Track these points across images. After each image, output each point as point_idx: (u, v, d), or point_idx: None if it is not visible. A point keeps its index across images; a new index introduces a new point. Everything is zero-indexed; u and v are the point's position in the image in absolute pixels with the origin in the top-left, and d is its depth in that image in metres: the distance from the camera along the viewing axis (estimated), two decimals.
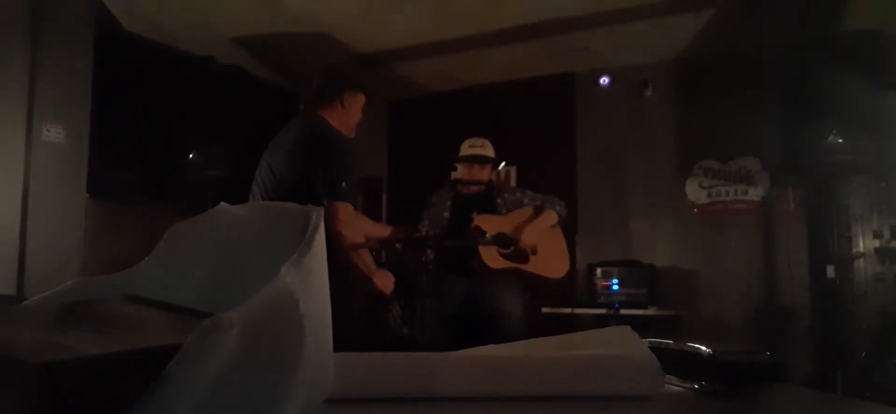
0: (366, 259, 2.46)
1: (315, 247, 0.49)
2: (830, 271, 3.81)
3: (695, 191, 4.74)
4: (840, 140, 3.47)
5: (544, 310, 4.32)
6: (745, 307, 4.41)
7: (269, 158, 2.49)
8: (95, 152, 3.75)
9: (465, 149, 3.40)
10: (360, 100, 2.64)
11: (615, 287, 4.33)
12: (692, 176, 4.74)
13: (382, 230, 2.97)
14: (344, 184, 2.32)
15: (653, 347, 0.77)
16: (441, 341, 2.97)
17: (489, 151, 3.40)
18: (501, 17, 4.22)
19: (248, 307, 0.40)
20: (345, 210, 2.31)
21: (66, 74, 3.59)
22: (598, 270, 4.39)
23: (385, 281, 2.53)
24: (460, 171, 3.40)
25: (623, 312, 4.17)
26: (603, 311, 4.26)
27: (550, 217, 3.31)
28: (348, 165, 2.40)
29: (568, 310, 4.33)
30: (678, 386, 0.80)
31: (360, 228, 2.47)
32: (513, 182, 5.07)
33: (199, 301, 0.52)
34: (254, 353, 0.40)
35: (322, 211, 0.53)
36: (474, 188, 3.34)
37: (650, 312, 4.23)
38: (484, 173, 3.37)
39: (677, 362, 0.80)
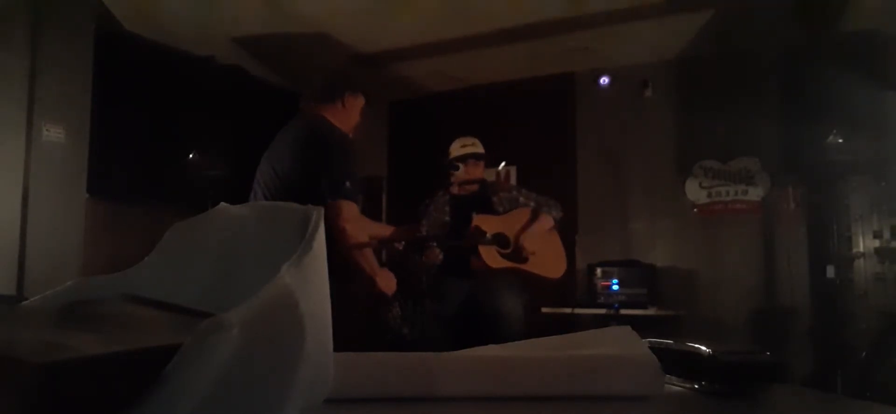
0: (369, 259, 2.46)
1: (315, 247, 0.49)
2: (830, 271, 3.80)
3: (695, 191, 4.74)
4: (840, 140, 3.47)
5: (544, 310, 4.32)
6: (745, 307, 4.41)
7: (270, 159, 2.48)
8: (95, 152, 3.75)
9: (457, 149, 3.42)
10: (361, 102, 2.65)
11: (615, 287, 4.32)
12: (692, 176, 4.74)
13: (384, 230, 2.97)
14: (348, 183, 2.32)
15: (653, 347, 0.77)
16: (441, 341, 2.97)
17: (480, 149, 3.42)
18: (501, 17, 4.22)
19: (248, 307, 0.40)
20: (349, 209, 2.30)
21: (66, 74, 3.59)
22: (598, 270, 4.39)
23: (388, 282, 2.52)
24: (460, 172, 3.42)
25: (623, 312, 4.17)
26: (603, 311, 4.26)
27: (547, 221, 3.32)
28: (352, 164, 2.39)
29: (568, 310, 4.33)
30: (678, 386, 0.80)
31: (364, 227, 2.46)
32: (513, 182, 5.07)
33: (199, 301, 0.52)
34: (254, 353, 0.40)
35: (322, 211, 0.53)
36: (470, 188, 3.36)
37: (650, 312, 4.23)
38: (478, 170, 3.39)
39: (677, 362, 0.80)
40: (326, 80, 2.66)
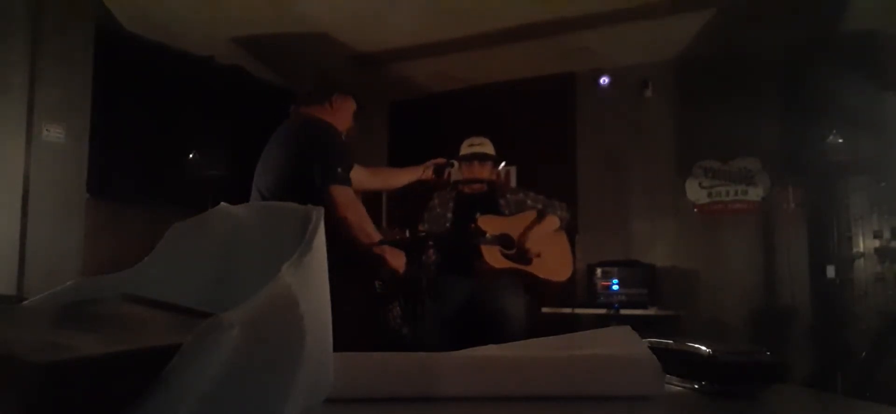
0: (370, 231, 2.44)
1: (315, 247, 0.49)
2: (830, 271, 3.81)
3: (695, 191, 4.74)
4: (840, 140, 3.47)
5: (545, 310, 4.32)
6: (745, 307, 4.41)
7: (264, 161, 2.50)
8: (95, 152, 3.75)
9: (465, 148, 3.39)
10: (350, 104, 2.65)
11: (615, 287, 4.32)
12: (692, 176, 4.74)
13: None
14: (340, 169, 2.32)
15: (653, 347, 0.77)
16: (441, 341, 2.97)
17: (489, 149, 3.39)
18: (501, 17, 4.22)
19: (248, 307, 0.40)
20: (344, 194, 2.31)
21: (66, 75, 3.59)
22: (599, 270, 4.39)
23: (397, 259, 2.51)
24: (461, 171, 3.39)
25: (623, 312, 4.17)
26: (603, 311, 4.26)
27: (552, 222, 3.30)
28: (343, 151, 2.39)
29: (568, 310, 4.33)
30: (678, 386, 0.80)
31: (361, 211, 2.44)
32: (513, 182, 5.06)
33: (199, 301, 0.52)
34: (254, 353, 0.40)
35: (322, 211, 0.53)
36: (476, 187, 3.33)
37: (650, 312, 4.23)
38: (485, 171, 3.35)
39: (677, 362, 0.80)
40: (314, 83, 2.68)
